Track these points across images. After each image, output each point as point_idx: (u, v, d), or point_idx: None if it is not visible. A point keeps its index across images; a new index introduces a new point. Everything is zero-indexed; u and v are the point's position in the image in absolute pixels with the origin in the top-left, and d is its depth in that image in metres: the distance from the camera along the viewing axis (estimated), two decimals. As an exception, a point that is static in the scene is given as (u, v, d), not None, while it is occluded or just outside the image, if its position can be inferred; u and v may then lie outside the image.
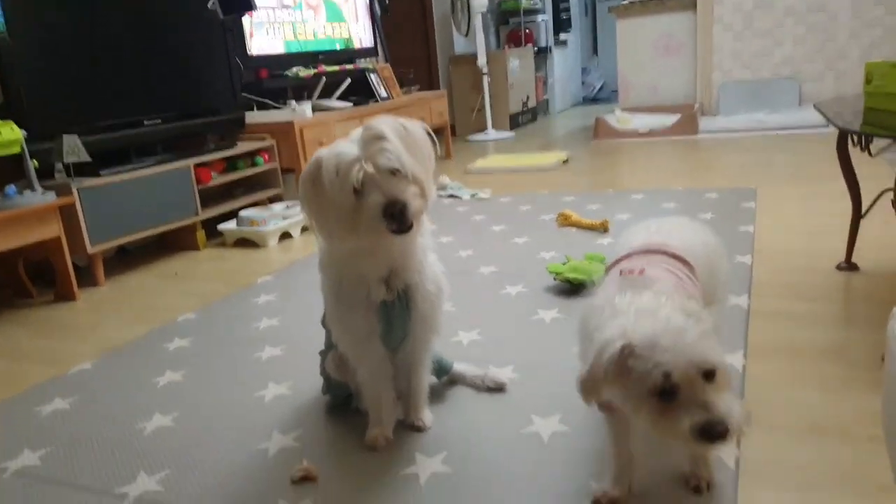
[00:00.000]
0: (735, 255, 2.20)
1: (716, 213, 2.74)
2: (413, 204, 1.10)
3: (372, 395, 1.33)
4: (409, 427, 1.38)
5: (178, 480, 1.28)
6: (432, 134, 1.19)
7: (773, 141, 4.41)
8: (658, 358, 0.82)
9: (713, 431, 0.80)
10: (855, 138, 1.82)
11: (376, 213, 1.08)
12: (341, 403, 1.49)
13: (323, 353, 1.45)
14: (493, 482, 1.18)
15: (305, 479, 1.23)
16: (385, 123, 1.12)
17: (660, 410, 0.83)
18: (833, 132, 1.93)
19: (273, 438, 1.40)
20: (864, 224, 2.03)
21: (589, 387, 0.88)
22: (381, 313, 1.23)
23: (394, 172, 1.09)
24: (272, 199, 3.53)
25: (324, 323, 1.38)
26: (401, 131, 1.13)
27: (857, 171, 2.03)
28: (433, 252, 1.29)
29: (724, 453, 1.18)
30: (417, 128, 1.17)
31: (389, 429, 1.35)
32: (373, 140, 1.10)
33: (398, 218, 1.09)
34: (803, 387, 1.41)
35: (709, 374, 0.83)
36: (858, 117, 1.87)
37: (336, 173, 1.08)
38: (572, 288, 2.05)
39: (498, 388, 1.51)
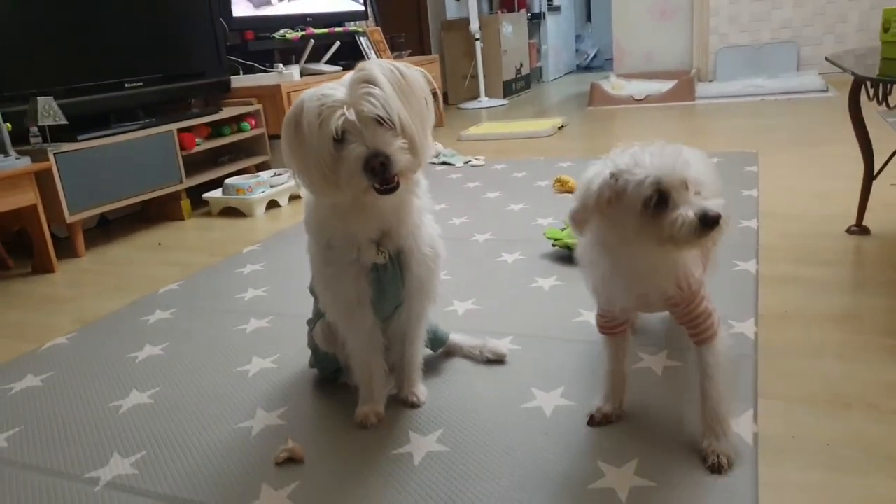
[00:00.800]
0: (740, 219, 2.11)
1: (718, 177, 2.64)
2: (398, 158, 0.99)
3: (362, 368, 1.24)
4: (402, 403, 1.29)
5: (154, 462, 1.20)
6: (433, 82, 1.08)
7: (773, 106, 4.30)
8: (648, 171, 0.90)
9: (707, 218, 0.89)
10: (870, 91, 1.71)
11: (356, 165, 0.97)
12: (330, 378, 1.40)
13: (310, 323, 1.36)
14: (493, 461, 1.10)
15: (290, 459, 1.15)
16: (378, 66, 1.01)
17: (653, 219, 0.91)
18: (835, 96, 1.84)
19: (257, 416, 1.31)
20: (874, 186, 1.95)
21: (580, 217, 0.96)
22: (372, 278, 1.13)
23: (380, 122, 0.99)
24: (259, 167, 3.41)
25: (311, 289, 1.28)
26: (395, 77, 1.02)
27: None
28: (430, 213, 1.19)
29: (741, 429, 1.10)
30: (415, 74, 1.05)
31: (381, 405, 1.26)
32: (360, 83, 0.99)
33: (380, 172, 0.98)
34: (819, 355, 1.33)
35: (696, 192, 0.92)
36: (872, 70, 1.76)
37: (317, 117, 0.98)
38: (571, 254, 1.96)
39: (497, 360, 1.42)
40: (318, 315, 1.31)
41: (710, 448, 1.04)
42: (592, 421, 1.17)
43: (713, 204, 0.90)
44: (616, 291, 1.05)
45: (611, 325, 1.14)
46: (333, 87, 1.00)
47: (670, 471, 1.03)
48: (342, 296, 1.14)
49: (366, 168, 0.97)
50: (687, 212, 0.89)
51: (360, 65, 1.02)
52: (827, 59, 1.95)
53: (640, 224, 0.92)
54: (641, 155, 0.93)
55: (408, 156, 1.01)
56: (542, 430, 1.17)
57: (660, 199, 0.90)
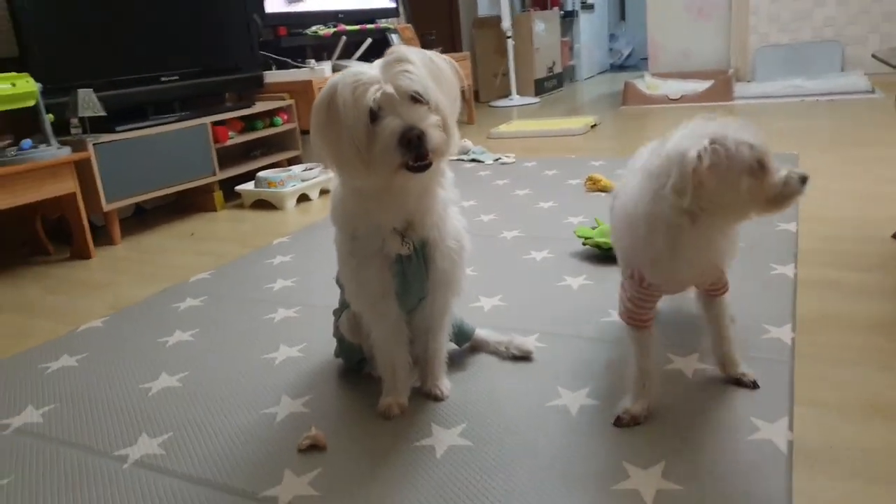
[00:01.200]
0: (778, 222, 2.06)
1: (755, 179, 2.58)
2: (433, 135, 0.99)
3: (386, 359, 1.24)
4: (425, 395, 1.29)
5: (180, 444, 1.21)
6: (460, 71, 1.08)
7: (814, 107, 4.20)
8: (749, 142, 0.98)
9: (805, 177, 1.02)
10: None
11: (391, 140, 0.97)
12: (354, 368, 1.40)
13: (336, 313, 1.37)
14: (516, 458, 1.09)
15: (313, 447, 1.15)
16: (410, 49, 1.02)
17: (756, 184, 0.99)
18: (881, 98, 1.79)
19: (282, 403, 1.32)
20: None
21: (680, 187, 0.99)
22: (396, 269, 1.13)
23: (415, 99, 0.99)
24: (291, 161, 3.44)
25: (338, 280, 1.28)
26: (426, 60, 1.02)
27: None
28: (455, 206, 1.18)
29: (776, 436, 1.07)
30: (444, 61, 1.06)
31: (404, 396, 1.26)
32: (395, 62, 0.99)
33: (415, 146, 0.97)
34: (858, 363, 1.29)
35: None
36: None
37: (352, 93, 0.97)
38: (602, 254, 1.93)
39: (524, 357, 1.41)
40: (344, 305, 1.31)
41: (739, 373, 1.22)
42: (620, 422, 1.15)
43: (793, 167, 1.01)
44: (680, 265, 1.07)
45: (642, 316, 1.15)
46: (365, 67, 1.00)
47: (699, 475, 1.01)
48: (367, 287, 1.14)
49: (401, 142, 0.97)
50: (790, 171, 1.01)
51: (392, 48, 1.02)
52: (874, 55, 1.90)
53: (750, 186, 0.99)
54: (724, 127, 1.00)
55: (442, 133, 1.01)
56: (566, 428, 1.15)
57: (759, 165, 0.99)
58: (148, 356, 1.59)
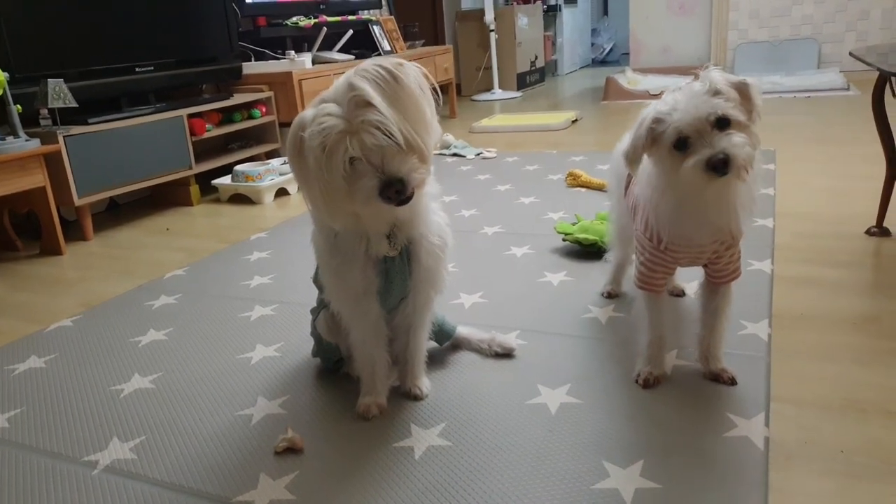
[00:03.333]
0: (755, 218, 2.07)
1: (734, 175, 2.59)
2: (412, 178, 0.97)
3: (365, 359, 1.22)
4: (404, 395, 1.27)
5: (153, 448, 1.18)
6: (430, 77, 1.04)
7: (791, 104, 4.23)
8: (671, 118, 1.01)
9: (714, 161, 0.97)
10: (895, 88, 1.67)
11: (371, 195, 0.97)
12: (332, 368, 1.38)
13: (314, 312, 1.34)
14: (496, 458, 1.08)
15: (289, 450, 1.13)
16: (368, 80, 0.96)
17: (680, 158, 1.01)
18: (856, 95, 1.80)
19: (258, 404, 1.30)
20: (896, 187, 1.90)
21: (631, 156, 1.08)
22: (380, 268, 1.11)
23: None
24: (269, 154, 3.40)
25: (315, 280, 1.26)
26: (388, 86, 0.97)
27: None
28: (435, 201, 1.16)
29: (752, 433, 1.07)
30: (408, 74, 1.00)
31: (383, 396, 1.24)
32: (358, 107, 0.95)
33: (396, 197, 0.97)
34: (835, 359, 1.29)
35: (722, 123, 0.99)
36: (898, 69, 1.72)
37: (322, 150, 0.94)
38: (582, 249, 1.93)
39: (506, 354, 1.40)
40: (321, 304, 1.29)
41: (719, 368, 1.23)
42: (647, 384, 1.23)
43: (726, 144, 0.97)
44: (687, 225, 1.11)
45: (655, 280, 1.19)
46: (329, 110, 0.95)
47: (677, 474, 1.00)
48: (349, 286, 1.12)
49: (381, 195, 0.97)
50: (699, 156, 0.99)
51: (350, 81, 0.96)
52: (851, 53, 1.91)
53: (670, 163, 1.04)
54: (674, 98, 1.03)
55: (421, 170, 0.99)
56: (546, 427, 1.14)
57: (682, 142, 1.01)
58: (120, 356, 1.55)
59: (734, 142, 0.98)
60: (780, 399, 1.18)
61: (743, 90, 1.03)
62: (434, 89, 1.04)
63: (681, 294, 1.60)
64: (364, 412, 1.21)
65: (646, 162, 1.14)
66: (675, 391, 1.22)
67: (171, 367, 1.48)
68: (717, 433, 1.08)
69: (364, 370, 1.23)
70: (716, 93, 1.00)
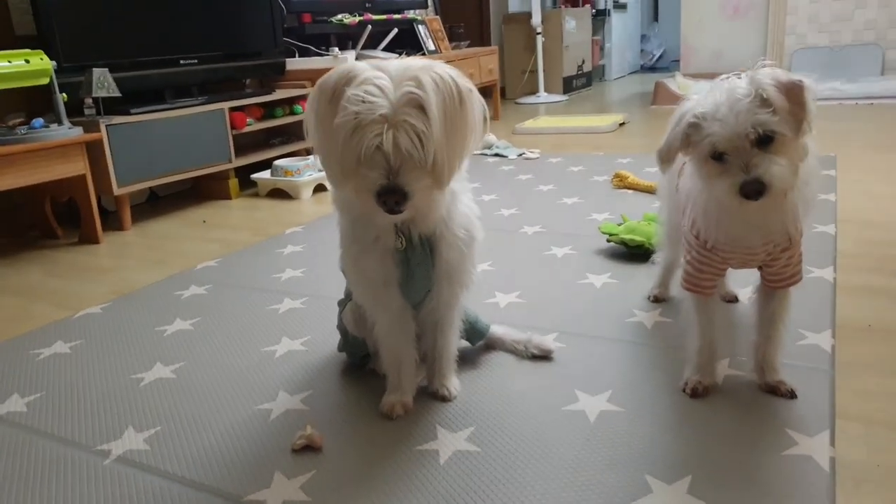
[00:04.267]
0: (815, 224, 1.94)
1: (791, 180, 2.45)
2: (415, 194, 0.91)
3: (391, 355, 1.15)
4: (432, 395, 1.20)
5: (167, 439, 1.13)
6: (486, 109, 0.96)
7: (853, 110, 4.03)
8: (708, 129, 0.93)
9: (747, 189, 0.91)
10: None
11: (369, 191, 0.91)
12: (358, 363, 1.31)
13: (341, 304, 1.28)
14: (527, 467, 0.99)
15: (308, 447, 1.06)
16: (436, 88, 0.89)
17: (716, 171, 0.95)
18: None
19: (278, 399, 1.23)
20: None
21: (664, 155, 1.01)
22: (399, 258, 1.04)
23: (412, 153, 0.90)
24: (310, 151, 3.37)
25: (342, 267, 1.19)
26: (453, 103, 0.90)
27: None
28: (467, 193, 1.08)
29: (816, 452, 0.96)
30: (476, 104, 0.94)
31: (409, 396, 1.16)
32: (409, 105, 0.88)
33: (391, 206, 0.91)
34: (907, 375, 1.17)
35: (764, 141, 0.91)
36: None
37: (353, 119, 0.88)
38: (628, 251, 1.82)
39: (544, 356, 1.31)
40: (349, 296, 1.23)
41: (776, 380, 1.11)
42: (695, 393, 1.13)
43: (762, 170, 0.90)
44: (734, 225, 1.03)
45: (702, 282, 1.10)
46: (382, 84, 0.89)
47: (730, 493, 0.90)
48: (367, 275, 1.05)
49: (378, 198, 0.91)
50: (732, 180, 0.92)
51: (417, 76, 0.89)
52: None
53: (706, 171, 0.97)
54: (714, 101, 0.94)
55: (427, 188, 0.93)
56: (584, 436, 1.05)
57: (717, 154, 0.94)
58: (144, 345, 1.52)
59: (771, 170, 0.90)
60: (845, 416, 1.06)
61: (796, 94, 0.91)
62: (486, 116, 0.96)
63: (733, 300, 1.49)
64: (388, 411, 1.14)
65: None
66: (727, 403, 1.11)
67: (194, 358, 1.43)
68: (774, 450, 0.98)
69: (390, 367, 1.16)
70: (762, 101, 0.90)
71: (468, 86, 0.94)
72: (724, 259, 1.07)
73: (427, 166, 0.91)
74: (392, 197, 0.90)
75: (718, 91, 0.94)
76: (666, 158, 1.01)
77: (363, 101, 0.88)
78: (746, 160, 0.91)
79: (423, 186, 0.92)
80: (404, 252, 1.03)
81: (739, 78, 0.95)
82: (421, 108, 0.89)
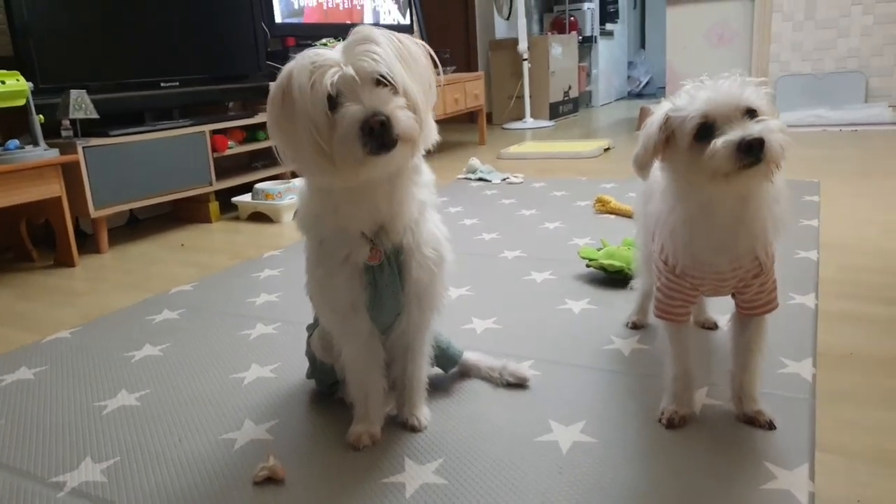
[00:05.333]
0: (798, 250, 1.92)
1: (773, 205, 2.45)
2: (399, 118, 0.86)
3: (358, 383, 1.11)
4: (401, 425, 1.16)
5: (126, 470, 1.09)
6: (434, 56, 0.96)
7: (836, 137, 4.06)
8: (696, 105, 0.90)
9: (748, 141, 0.84)
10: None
11: (352, 128, 0.85)
12: (327, 391, 1.27)
13: (310, 329, 1.24)
14: (496, 499, 0.95)
15: (270, 479, 1.02)
16: (376, 29, 0.90)
17: (702, 151, 0.89)
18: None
19: (243, 428, 1.19)
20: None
21: (641, 159, 0.97)
22: (367, 279, 1.01)
23: (380, 82, 0.87)
24: (294, 174, 3.35)
25: (308, 293, 1.16)
26: (394, 41, 0.90)
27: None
28: (435, 211, 1.06)
29: (795, 486, 0.93)
30: (415, 44, 0.94)
31: (377, 425, 1.13)
32: (358, 42, 0.88)
33: (379, 135, 0.85)
34: (888, 405, 1.14)
35: (751, 113, 0.88)
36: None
37: (309, 77, 0.86)
38: (607, 276, 1.80)
39: (519, 384, 1.28)
40: (318, 321, 1.19)
41: (754, 410, 1.08)
42: (671, 424, 1.10)
43: (761, 128, 0.86)
44: (700, 247, 0.99)
45: (673, 309, 1.07)
46: (325, 50, 0.89)
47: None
48: (334, 299, 1.02)
49: (363, 130, 0.85)
50: (729, 136, 0.86)
51: (357, 28, 0.90)
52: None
53: (689, 158, 0.91)
54: (696, 90, 0.92)
55: (410, 116, 0.89)
56: (556, 468, 1.02)
57: (706, 129, 0.89)
58: (110, 371, 1.47)
59: (770, 126, 0.86)
60: (826, 448, 1.03)
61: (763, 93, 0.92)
62: (434, 62, 0.95)
63: (713, 327, 1.47)
64: (354, 442, 1.10)
65: (661, 176, 1.04)
66: (705, 434, 1.08)
67: (161, 385, 1.39)
68: (752, 484, 0.95)
69: (357, 395, 1.12)
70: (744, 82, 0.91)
71: (405, 35, 0.94)
72: (693, 285, 1.05)
73: (398, 89, 0.88)
74: (376, 119, 0.84)
75: (695, 88, 0.93)
76: (643, 162, 0.98)
77: (312, 62, 0.87)
78: (740, 125, 0.88)
79: (400, 107, 0.87)
80: (372, 273, 1.00)
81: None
82: (370, 41, 0.88)
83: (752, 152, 0.85)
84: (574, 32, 6.80)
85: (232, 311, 1.79)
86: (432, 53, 0.96)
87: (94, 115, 2.39)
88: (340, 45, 0.89)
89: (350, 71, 0.85)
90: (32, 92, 2.25)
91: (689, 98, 0.92)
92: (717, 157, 0.87)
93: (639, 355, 1.38)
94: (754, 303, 1.06)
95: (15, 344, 1.68)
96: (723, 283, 1.04)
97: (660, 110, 0.96)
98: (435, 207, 1.05)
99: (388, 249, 0.99)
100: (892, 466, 0.98)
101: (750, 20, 5.36)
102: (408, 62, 0.90)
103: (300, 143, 0.88)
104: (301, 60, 0.88)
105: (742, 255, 0.99)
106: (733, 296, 1.08)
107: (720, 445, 1.04)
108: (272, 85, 0.92)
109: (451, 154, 4.46)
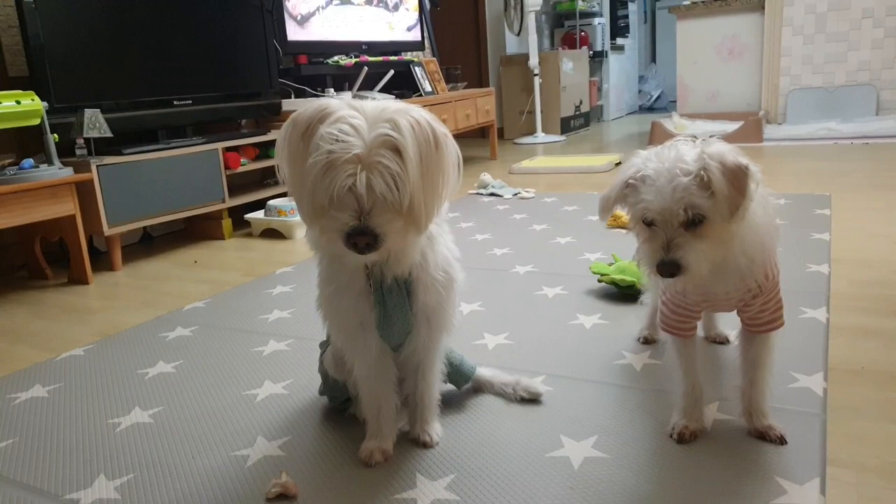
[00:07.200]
0: (809, 263, 1.92)
1: (785, 218, 2.44)
2: (387, 238, 0.89)
3: (370, 400, 1.12)
4: (413, 441, 1.16)
5: (140, 488, 1.09)
6: (460, 156, 0.95)
7: (848, 150, 4.04)
8: (645, 195, 0.94)
9: (662, 269, 0.93)
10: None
11: (338, 234, 0.88)
12: (339, 408, 1.28)
13: (323, 345, 1.25)
14: (507, 516, 0.95)
15: (282, 496, 1.03)
16: (412, 132, 0.88)
17: (644, 236, 0.97)
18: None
19: (256, 444, 1.20)
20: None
21: (603, 205, 1.03)
22: (375, 300, 1.02)
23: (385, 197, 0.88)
24: (304, 191, 3.37)
25: (319, 308, 1.17)
26: (428, 147, 0.90)
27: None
28: (446, 235, 1.07)
29: (805, 501, 0.92)
30: (451, 150, 0.93)
31: (389, 442, 1.13)
32: (384, 146, 0.87)
33: (360, 249, 0.89)
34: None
35: (694, 222, 0.92)
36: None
37: (326, 158, 0.86)
38: (619, 291, 1.80)
39: (532, 399, 1.28)
40: (330, 338, 1.20)
41: (765, 425, 1.08)
42: (682, 438, 1.10)
43: (681, 255, 0.92)
44: (688, 286, 1.03)
45: (679, 325, 1.09)
46: (357, 123, 0.87)
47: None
48: (343, 317, 1.03)
49: (347, 241, 0.88)
50: (651, 256, 0.94)
51: (393, 118, 0.88)
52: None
53: (639, 234, 0.99)
54: (656, 168, 0.94)
55: (401, 231, 0.91)
56: (567, 483, 1.02)
57: (650, 222, 0.95)
58: (124, 388, 1.49)
59: (689, 256, 0.92)
60: (837, 463, 1.02)
61: (739, 181, 0.90)
62: (460, 167, 0.96)
63: (724, 342, 1.46)
64: (367, 458, 1.10)
65: None
66: (715, 449, 1.07)
67: (174, 402, 1.40)
68: (763, 499, 0.94)
69: (369, 412, 1.13)
70: (702, 182, 0.90)
71: (443, 130, 0.93)
72: (695, 302, 1.06)
73: (402, 209, 0.89)
74: (363, 238, 0.87)
75: (665, 157, 0.94)
76: (604, 209, 1.03)
77: (337, 140, 0.87)
78: (670, 238, 0.92)
79: (396, 229, 0.90)
80: (380, 294, 1.01)
81: (693, 144, 0.95)
82: (396, 150, 0.88)
83: (665, 276, 0.93)
84: (585, 47, 6.83)
85: (245, 327, 1.81)
86: (458, 150, 0.95)
87: (108, 134, 2.43)
88: (368, 124, 0.88)
89: (361, 185, 0.85)
90: (47, 111, 2.29)
91: (650, 174, 0.93)
92: (644, 261, 0.95)
93: (650, 370, 1.37)
94: (758, 320, 1.06)
95: (29, 361, 1.70)
96: (721, 303, 1.06)
97: (630, 165, 0.99)
98: (447, 225, 1.06)
99: (388, 278, 1.00)
100: (906, 483, 0.97)
101: (760, 34, 5.37)
102: (430, 169, 0.90)
103: (301, 195, 0.90)
104: (330, 126, 0.87)
105: (731, 290, 1.01)
106: (738, 312, 1.08)
107: (731, 460, 1.04)
108: (298, 116, 0.92)
109: (463, 169, 4.48)
